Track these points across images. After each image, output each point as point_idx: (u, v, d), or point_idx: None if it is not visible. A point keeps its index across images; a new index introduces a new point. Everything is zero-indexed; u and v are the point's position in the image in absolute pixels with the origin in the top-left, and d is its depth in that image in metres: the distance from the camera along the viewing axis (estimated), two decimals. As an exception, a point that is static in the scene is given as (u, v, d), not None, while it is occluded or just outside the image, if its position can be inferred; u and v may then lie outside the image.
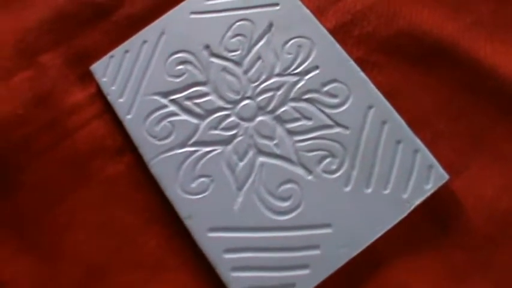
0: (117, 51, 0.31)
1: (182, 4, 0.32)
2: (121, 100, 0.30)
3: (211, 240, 0.27)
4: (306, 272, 0.26)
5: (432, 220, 0.28)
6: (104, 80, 0.31)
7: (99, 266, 0.29)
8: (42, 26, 0.33)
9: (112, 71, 0.31)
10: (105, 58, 0.31)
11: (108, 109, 0.31)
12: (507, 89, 0.29)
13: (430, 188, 0.27)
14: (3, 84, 0.32)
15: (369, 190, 0.27)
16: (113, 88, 0.30)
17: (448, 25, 0.30)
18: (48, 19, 0.33)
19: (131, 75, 0.31)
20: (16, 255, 0.29)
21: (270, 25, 0.31)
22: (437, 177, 0.27)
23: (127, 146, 0.30)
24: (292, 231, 0.27)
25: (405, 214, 0.27)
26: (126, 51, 0.31)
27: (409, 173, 0.27)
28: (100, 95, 0.31)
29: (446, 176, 0.27)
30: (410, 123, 0.28)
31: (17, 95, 0.31)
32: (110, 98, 0.30)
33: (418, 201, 0.27)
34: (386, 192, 0.27)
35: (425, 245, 0.28)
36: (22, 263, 0.29)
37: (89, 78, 0.32)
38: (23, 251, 0.29)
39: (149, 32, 0.31)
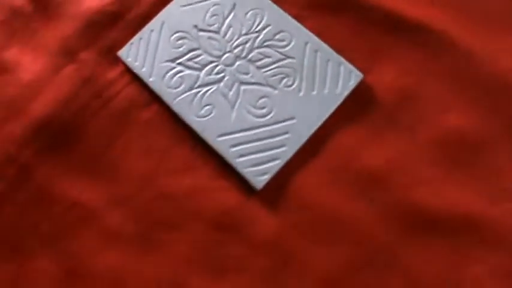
0: (134, 39, 0.46)
1: (173, 1, 0.47)
2: (144, 70, 0.45)
3: (221, 142, 0.42)
4: (286, 136, 0.42)
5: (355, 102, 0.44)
6: (129, 60, 0.46)
7: (147, 173, 0.43)
8: (78, 33, 0.48)
9: (134, 52, 0.46)
10: (127, 45, 0.46)
11: (135, 78, 0.46)
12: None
13: (351, 84, 0.43)
14: (58, 75, 0.46)
15: (314, 92, 0.43)
16: (137, 63, 0.45)
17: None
18: (80, 27, 0.48)
19: (147, 53, 0.46)
20: (87, 182, 0.43)
21: (234, 5, 0.47)
22: (352, 76, 0.43)
23: (152, 99, 0.45)
24: (270, 126, 0.42)
25: (340, 101, 0.43)
26: (141, 39, 0.46)
27: (336, 78, 0.43)
28: (127, 71, 0.46)
29: (360, 75, 0.43)
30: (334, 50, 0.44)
31: (68, 81, 0.46)
32: (135, 70, 0.45)
33: (347, 92, 0.43)
34: (326, 91, 0.43)
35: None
36: (90, 186, 0.43)
37: (117, 61, 0.47)
38: (91, 178, 0.43)
39: (154, 23, 0.47)
